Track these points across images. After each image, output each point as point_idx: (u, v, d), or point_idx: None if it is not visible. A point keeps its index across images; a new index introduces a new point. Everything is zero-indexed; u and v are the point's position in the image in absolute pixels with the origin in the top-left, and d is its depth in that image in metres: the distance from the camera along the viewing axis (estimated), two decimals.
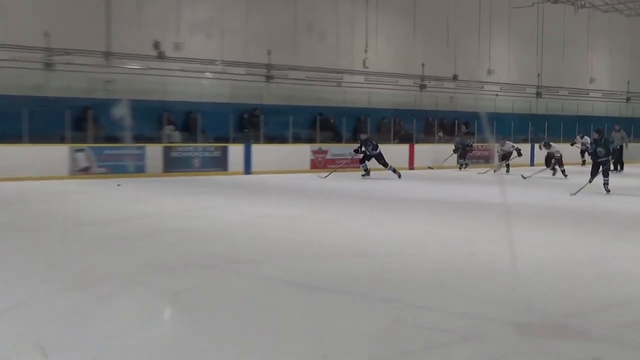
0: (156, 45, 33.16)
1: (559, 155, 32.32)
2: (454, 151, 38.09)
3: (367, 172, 31.67)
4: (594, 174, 24.21)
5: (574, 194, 24.13)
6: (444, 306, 8.89)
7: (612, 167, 34.40)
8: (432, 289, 10.10)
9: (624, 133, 38.62)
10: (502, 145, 34.58)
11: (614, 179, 28.68)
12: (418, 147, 38.35)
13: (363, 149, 31.72)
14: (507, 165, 35.08)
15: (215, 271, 11.63)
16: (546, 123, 43.96)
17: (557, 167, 32.60)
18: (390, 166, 31.04)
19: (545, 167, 32.84)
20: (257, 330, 8.12)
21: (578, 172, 32.21)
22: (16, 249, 13.69)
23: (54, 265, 11.98)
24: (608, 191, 23.96)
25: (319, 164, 35.29)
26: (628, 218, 19.10)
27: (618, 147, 37.08)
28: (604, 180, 24.17)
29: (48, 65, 30.68)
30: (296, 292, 10.23)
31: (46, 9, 30.04)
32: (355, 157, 32.21)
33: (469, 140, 38.05)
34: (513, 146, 34.45)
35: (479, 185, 28.71)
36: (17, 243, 14.44)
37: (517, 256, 11.20)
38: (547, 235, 15.49)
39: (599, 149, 23.96)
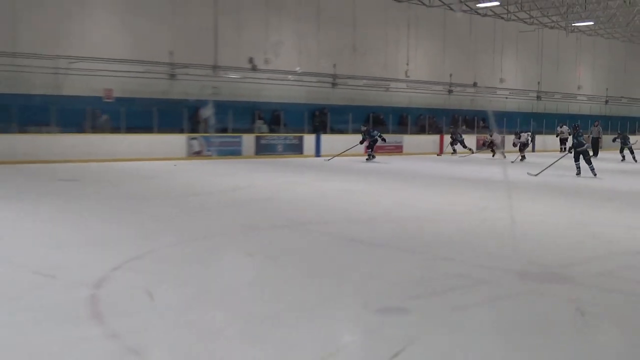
0: (250, 60, 33.17)
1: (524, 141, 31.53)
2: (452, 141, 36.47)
3: (370, 157, 30.53)
4: (577, 160, 22.75)
5: (536, 174, 23.13)
6: (463, 258, 9.07)
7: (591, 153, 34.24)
8: (454, 245, 10.23)
9: (600, 128, 37.78)
10: (519, 138, 32.44)
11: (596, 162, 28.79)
12: (446, 137, 37.95)
13: (367, 136, 30.46)
14: (523, 156, 32.23)
15: (291, 230, 11.77)
16: (544, 120, 43.88)
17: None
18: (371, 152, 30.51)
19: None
20: (320, 272, 8.49)
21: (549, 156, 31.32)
22: (146, 211, 14.09)
23: (176, 223, 12.43)
24: (594, 174, 22.28)
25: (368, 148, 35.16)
26: (605, 193, 18.78)
27: (598, 138, 36.84)
28: (589, 167, 22.45)
29: (172, 76, 30.98)
30: (352, 245, 10.35)
31: (171, 34, 30.29)
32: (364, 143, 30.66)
33: (459, 132, 36.67)
34: (528, 137, 32.81)
35: (491, 166, 27.77)
36: (146, 207, 14.85)
37: (519, 221, 11.70)
38: (541, 206, 15.46)
39: (575, 141, 22.71)
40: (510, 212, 12.50)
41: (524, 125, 42.39)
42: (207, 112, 27.98)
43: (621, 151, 33.49)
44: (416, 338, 5.72)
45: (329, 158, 30.03)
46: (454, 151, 35.87)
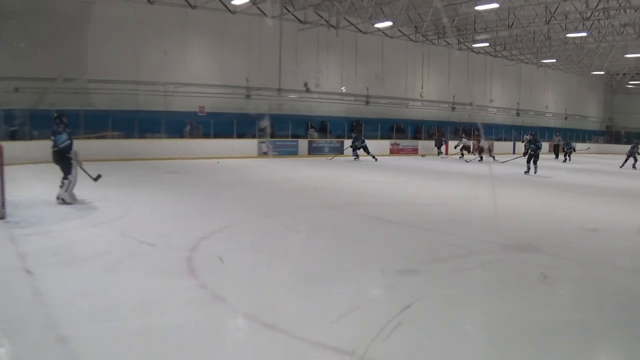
0: (305, 84, 33.82)
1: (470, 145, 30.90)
2: (435, 144, 35.74)
3: (357, 157, 29.16)
4: (528, 161, 21.91)
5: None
6: (462, 233, 9.30)
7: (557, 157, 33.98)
8: (455, 224, 10.46)
9: (560, 137, 37.19)
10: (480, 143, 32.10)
11: (555, 162, 29.69)
12: (450, 143, 38.06)
13: (355, 143, 29.49)
14: (493, 156, 31.96)
15: (333, 210, 11.93)
16: (521, 130, 43.36)
17: (482, 154, 30.59)
18: (371, 153, 29.03)
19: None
20: (353, 242, 8.71)
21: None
22: (226, 195, 14.48)
23: (249, 204, 12.82)
24: (535, 172, 21.65)
25: (394, 151, 35.63)
26: (563, 185, 18.77)
27: (557, 145, 36.13)
28: (535, 166, 21.86)
29: (247, 96, 31.70)
30: (379, 223, 10.59)
31: (247, 65, 30.92)
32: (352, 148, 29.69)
33: (443, 138, 35.98)
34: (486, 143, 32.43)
35: (480, 165, 27.48)
36: (226, 192, 15.16)
37: (502, 205, 12.36)
38: (517, 194, 15.67)
39: (532, 146, 21.75)
40: (495, 198, 13.39)
41: (507, 134, 42.95)
42: (264, 123, 28.53)
43: (566, 154, 33.52)
44: (426, 292, 6.10)
45: (331, 157, 29.48)
46: (440, 153, 35.30)
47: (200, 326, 4.96)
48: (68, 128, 11.56)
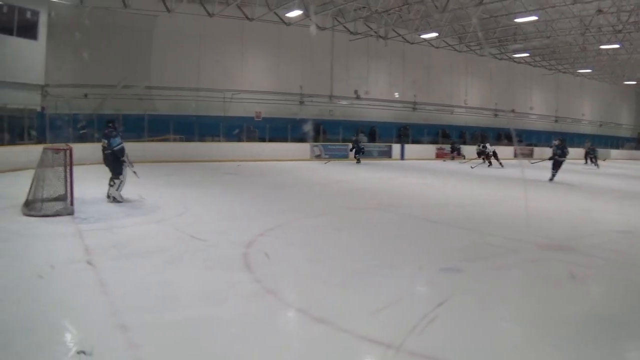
0: (355, 92, 33.43)
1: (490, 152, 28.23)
2: (451, 150, 34.20)
3: (358, 161, 27.56)
4: (554, 167, 19.75)
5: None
6: (500, 233, 9.14)
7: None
8: (494, 224, 10.22)
9: (590, 143, 35.43)
10: (485, 148, 29.10)
11: (587, 167, 29.32)
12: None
13: (355, 146, 27.93)
14: (490, 162, 28.52)
15: (379, 211, 11.64)
16: (559, 136, 42.70)
17: (491, 160, 28.11)
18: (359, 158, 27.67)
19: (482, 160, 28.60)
20: (398, 241, 8.62)
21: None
22: (281, 195, 14.22)
23: (301, 204, 12.64)
24: (551, 179, 19.47)
25: (439, 155, 34.66)
26: (598, 188, 18.36)
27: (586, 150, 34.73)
28: (554, 172, 19.64)
29: (301, 102, 31.48)
30: (422, 222, 10.45)
31: (301, 73, 30.92)
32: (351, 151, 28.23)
33: (458, 144, 34.60)
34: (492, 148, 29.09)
35: (511, 169, 26.32)
36: (281, 192, 14.85)
37: (537, 207, 12.17)
38: (553, 196, 15.27)
39: (558, 151, 19.70)
40: (532, 201, 12.95)
41: (547, 140, 41.34)
42: (307, 127, 28.33)
43: (591, 159, 32.44)
44: (467, 289, 6.01)
45: (326, 162, 27.43)
46: (455, 157, 33.64)
47: (254, 318, 4.98)
48: (120, 132, 11.73)
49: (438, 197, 14.56)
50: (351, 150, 28.23)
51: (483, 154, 28.79)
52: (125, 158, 11.58)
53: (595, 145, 35.91)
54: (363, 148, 28.35)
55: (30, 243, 7.57)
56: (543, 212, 11.65)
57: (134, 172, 12.01)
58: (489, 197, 15.00)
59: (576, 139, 42.83)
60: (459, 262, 7.08)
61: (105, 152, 11.59)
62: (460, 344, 4.55)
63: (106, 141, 11.55)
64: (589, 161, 32.74)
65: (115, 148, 11.46)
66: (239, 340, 4.50)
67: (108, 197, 11.49)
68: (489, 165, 28.05)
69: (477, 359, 4.33)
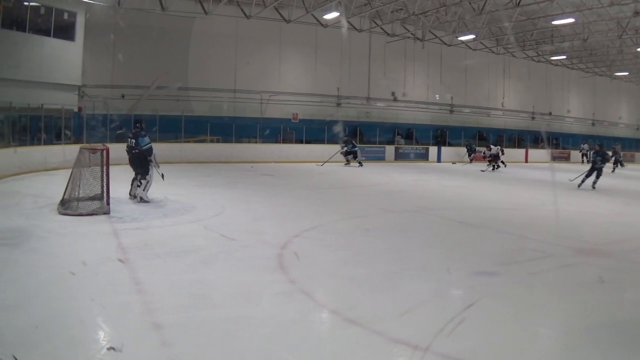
0: (393, 94, 32.41)
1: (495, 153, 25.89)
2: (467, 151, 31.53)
3: (348, 162, 25.03)
4: (589, 174, 17.43)
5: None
6: (536, 237, 8.87)
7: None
8: (531, 228, 9.87)
9: (620, 145, 34.00)
10: (490, 150, 26.84)
11: (621, 171, 28.35)
12: (531, 151, 36.32)
13: (345, 148, 24.94)
14: (495, 166, 26.01)
15: (417, 213, 11.43)
16: (597, 140, 40.91)
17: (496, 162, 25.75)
18: (358, 159, 24.98)
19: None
20: (435, 244, 8.36)
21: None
22: (317, 197, 13.96)
23: (336, 206, 12.40)
24: (594, 187, 17.30)
25: (477, 158, 32.13)
26: (634, 193, 18.09)
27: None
28: (596, 180, 17.45)
29: (338, 104, 30.50)
30: (460, 226, 10.08)
31: (338, 75, 29.85)
32: (342, 151, 24.97)
33: (474, 145, 31.97)
34: (498, 150, 26.36)
35: (540, 171, 26.25)
36: (317, 194, 14.59)
37: (573, 211, 12.12)
38: (589, 201, 14.71)
39: (598, 158, 17.35)
40: (568, 205, 12.98)
41: (582, 142, 39.86)
42: (338, 128, 27.52)
43: (616, 162, 29.89)
44: (499, 292, 5.83)
45: (321, 164, 24.28)
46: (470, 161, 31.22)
47: (287, 319, 4.88)
48: (148, 133, 11.59)
49: (474, 200, 14.28)
50: (342, 153, 24.87)
51: (489, 157, 26.33)
52: (152, 158, 11.25)
53: (619, 149, 34.16)
54: (356, 149, 25.10)
55: (66, 241, 7.49)
56: (580, 216, 11.61)
57: (161, 175, 11.59)
58: (526, 201, 14.52)
59: (612, 143, 41.18)
60: (493, 266, 6.90)
61: (133, 151, 11.17)
62: (488, 346, 4.41)
63: (134, 141, 11.18)
64: (618, 165, 30.48)
65: (143, 147, 11.11)
66: (272, 340, 4.39)
67: (134, 196, 11.19)
68: (493, 169, 25.65)
69: None
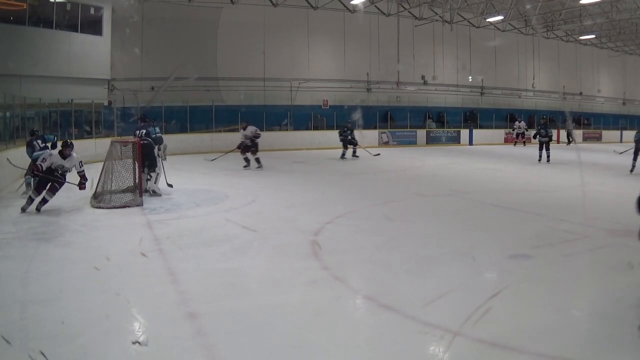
0: (422, 77, 31.47)
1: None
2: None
3: (343, 155, 20.11)
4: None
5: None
6: (570, 219, 8.70)
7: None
8: (565, 210, 9.71)
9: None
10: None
11: None
12: (562, 132, 35.22)
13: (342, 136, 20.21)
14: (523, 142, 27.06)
15: (450, 196, 11.31)
16: (628, 120, 39.70)
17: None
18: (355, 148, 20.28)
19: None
20: (469, 227, 8.24)
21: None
22: (349, 183, 13.81)
23: (369, 191, 12.20)
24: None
25: (508, 140, 31.98)
26: None
27: None
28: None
29: (368, 90, 29.73)
30: (493, 209, 9.98)
31: (367, 61, 29.19)
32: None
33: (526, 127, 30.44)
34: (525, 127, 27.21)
35: (587, 154, 24.46)
36: (350, 180, 14.44)
37: (607, 192, 11.85)
38: (623, 182, 14.05)
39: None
40: (601, 186, 12.74)
41: (614, 124, 38.27)
42: (357, 115, 27.21)
43: None
44: (536, 275, 5.70)
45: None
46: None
47: (321, 305, 4.79)
48: (156, 124, 11.90)
49: (508, 183, 13.98)
50: (342, 141, 20.45)
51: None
52: (162, 148, 11.44)
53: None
54: (352, 139, 20.44)
55: (100, 235, 7.47)
56: (614, 198, 11.23)
57: (168, 185, 11.61)
58: (560, 182, 14.07)
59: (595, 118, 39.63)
60: (531, 249, 6.70)
61: (142, 141, 10.82)
62: (523, 329, 4.26)
63: (144, 131, 11.17)
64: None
65: (154, 136, 11.20)
66: (307, 326, 4.32)
67: (146, 190, 10.84)
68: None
69: (537, 343, 3.98)
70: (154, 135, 11.09)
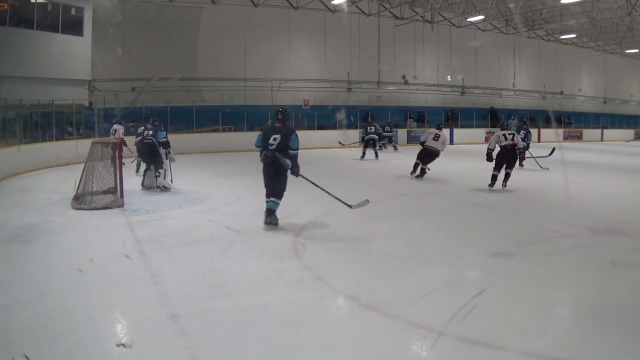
0: (403, 77, 31.76)
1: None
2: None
3: (365, 152, 20.21)
4: None
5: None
6: (552, 218, 8.84)
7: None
8: (547, 208, 9.97)
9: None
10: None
11: None
12: (543, 131, 35.46)
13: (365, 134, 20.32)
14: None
15: (432, 196, 11.32)
16: (609, 118, 40.64)
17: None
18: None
19: None
20: (452, 226, 8.32)
21: None
22: (332, 183, 12.69)
23: (352, 191, 11.29)
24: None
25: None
26: None
27: None
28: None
29: (349, 89, 29.96)
30: (477, 208, 9.98)
31: (348, 60, 29.35)
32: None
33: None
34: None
35: (576, 153, 25.44)
36: (332, 180, 13.44)
37: (591, 190, 11.99)
38: (608, 180, 14.60)
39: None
40: (585, 184, 12.83)
41: (595, 122, 38.96)
42: (341, 116, 27.30)
43: None
44: (517, 273, 5.75)
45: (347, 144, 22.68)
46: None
47: (304, 305, 4.80)
48: (162, 126, 12.04)
49: (488, 181, 13.56)
50: (363, 140, 20.45)
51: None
52: (169, 151, 11.51)
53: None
54: (386, 136, 21.55)
55: (81, 236, 7.44)
56: (597, 196, 11.38)
57: (170, 180, 11.90)
58: (542, 181, 14.16)
59: (624, 121, 40.18)
60: (512, 248, 6.79)
61: (145, 141, 11.35)
62: (505, 327, 4.32)
63: (150, 132, 11.46)
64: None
65: (161, 140, 11.38)
66: (290, 327, 4.34)
67: (157, 187, 11.32)
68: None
69: (521, 341, 4.02)
70: (161, 140, 11.36)
